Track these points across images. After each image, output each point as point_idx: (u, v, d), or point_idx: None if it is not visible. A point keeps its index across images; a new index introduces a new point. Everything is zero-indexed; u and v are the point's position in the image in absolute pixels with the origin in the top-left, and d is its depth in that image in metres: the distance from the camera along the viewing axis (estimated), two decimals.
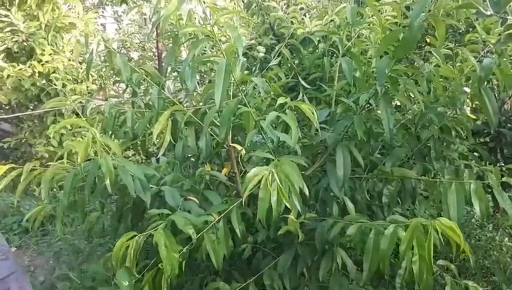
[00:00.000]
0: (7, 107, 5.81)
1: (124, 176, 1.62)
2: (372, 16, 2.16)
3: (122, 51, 9.17)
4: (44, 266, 3.54)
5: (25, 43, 4.62)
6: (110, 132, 2.24)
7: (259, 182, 1.23)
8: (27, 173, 1.53)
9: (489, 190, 1.61)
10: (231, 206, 1.69)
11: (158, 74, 2.25)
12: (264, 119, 1.53)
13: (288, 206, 1.24)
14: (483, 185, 1.46)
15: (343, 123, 1.72)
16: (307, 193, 1.35)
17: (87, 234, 2.13)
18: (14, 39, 4.56)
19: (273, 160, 1.50)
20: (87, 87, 5.36)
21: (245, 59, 1.72)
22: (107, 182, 1.48)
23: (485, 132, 2.67)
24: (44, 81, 4.82)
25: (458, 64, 1.82)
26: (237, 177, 2.08)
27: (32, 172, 1.56)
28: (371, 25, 2.18)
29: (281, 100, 1.43)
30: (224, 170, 2.18)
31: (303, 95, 2.55)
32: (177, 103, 2.18)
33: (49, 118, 5.00)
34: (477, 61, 1.65)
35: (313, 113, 1.40)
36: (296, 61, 2.84)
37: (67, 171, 1.66)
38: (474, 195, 1.40)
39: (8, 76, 4.59)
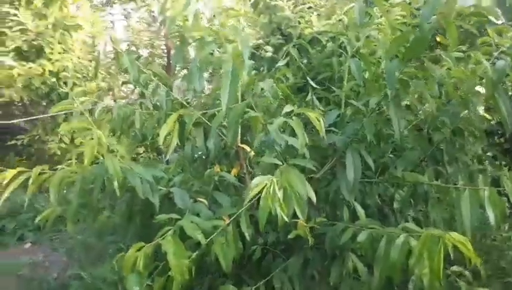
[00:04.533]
0: (20, 104, 5.88)
1: (132, 179, 1.62)
2: (380, 16, 2.12)
3: (131, 48, 9.20)
4: (58, 262, 3.58)
5: (34, 42, 4.66)
6: (119, 132, 2.25)
7: (261, 191, 1.22)
8: (35, 177, 1.53)
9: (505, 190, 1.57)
10: (240, 210, 1.68)
11: (166, 74, 2.25)
12: (272, 123, 1.52)
13: (285, 217, 1.22)
14: (498, 189, 1.43)
15: (353, 126, 1.70)
16: (314, 199, 1.34)
17: (98, 233, 2.14)
18: (23, 38, 4.59)
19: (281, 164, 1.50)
20: (98, 84, 5.40)
21: (252, 62, 1.69)
22: (115, 184, 1.48)
23: (500, 132, 2.61)
24: (54, 79, 4.86)
25: (471, 65, 1.78)
26: (246, 177, 2.07)
27: (41, 176, 1.56)
28: (380, 25, 2.14)
29: (287, 108, 1.41)
30: (234, 171, 2.17)
31: (312, 96, 2.53)
32: (185, 103, 2.18)
33: (60, 116, 5.05)
34: (490, 63, 1.61)
35: (319, 120, 1.38)
36: (305, 61, 2.82)
37: (76, 173, 1.67)
38: (488, 202, 1.36)
39: (19, 74, 4.63)
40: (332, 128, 1.75)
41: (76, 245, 3.12)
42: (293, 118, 1.39)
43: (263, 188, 1.23)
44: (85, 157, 1.42)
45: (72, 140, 5.09)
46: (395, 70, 1.50)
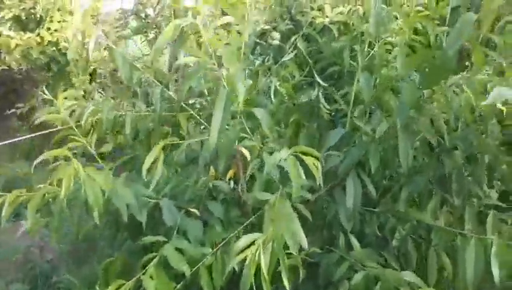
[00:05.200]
0: (22, 68, 5.75)
1: (117, 201, 1.52)
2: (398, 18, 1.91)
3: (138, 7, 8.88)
4: (54, 245, 3.55)
5: (31, 10, 4.44)
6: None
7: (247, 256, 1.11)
8: (12, 200, 1.43)
9: None
10: (230, 235, 1.59)
11: (162, 71, 2.10)
12: (269, 153, 1.39)
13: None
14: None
15: (357, 152, 1.56)
16: (305, 246, 1.23)
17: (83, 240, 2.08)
18: (21, 6, 4.38)
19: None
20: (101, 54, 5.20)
21: (249, 83, 1.54)
22: (95, 214, 1.38)
23: None
24: (54, 49, 4.67)
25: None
26: (242, 182, 1.97)
27: (18, 198, 1.46)
28: (397, 26, 1.94)
29: (284, 153, 1.27)
30: (230, 172, 2.08)
31: (318, 93, 2.38)
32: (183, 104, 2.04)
33: (59, 87, 4.91)
34: None
35: (316, 167, 1.24)
36: (314, 48, 2.64)
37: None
38: (494, 257, 1.23)
39: (17, 45, 4.45)
40: (334, 152, 1.61)
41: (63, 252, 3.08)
42: (290, 157, 1.25)
43: (247, 255, 1.12)
44: (62, 188, 1.31)
45: (70, 114, 4.97)
46: (411, 99, 1.34)
